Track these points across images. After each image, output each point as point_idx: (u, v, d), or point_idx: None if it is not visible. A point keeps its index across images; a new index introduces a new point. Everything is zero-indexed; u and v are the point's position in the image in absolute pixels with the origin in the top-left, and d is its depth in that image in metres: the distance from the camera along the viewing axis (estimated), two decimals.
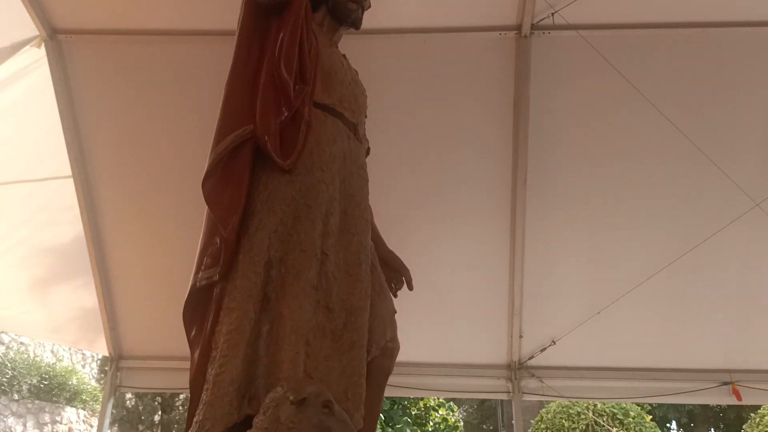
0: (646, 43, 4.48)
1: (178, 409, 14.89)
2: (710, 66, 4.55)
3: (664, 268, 4.78)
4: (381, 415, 10.96)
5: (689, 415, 18.00)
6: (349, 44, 3.05)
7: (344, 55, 2.88)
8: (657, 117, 4.44)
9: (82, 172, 4.90)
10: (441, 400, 13.94)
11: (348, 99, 2.58)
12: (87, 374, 14.74)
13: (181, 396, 14.71)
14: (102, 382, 13.63)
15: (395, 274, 2.78)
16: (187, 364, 2.24)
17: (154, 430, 14.78)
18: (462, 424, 19.04)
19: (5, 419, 11.54)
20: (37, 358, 13.03)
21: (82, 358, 14.99)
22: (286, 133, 2.27)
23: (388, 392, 3.17)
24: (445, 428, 14.03)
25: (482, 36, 4.54)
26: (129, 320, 5.46)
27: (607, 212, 4.89)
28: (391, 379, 2.65)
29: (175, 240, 4.87)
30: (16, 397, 11.88)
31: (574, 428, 11.80)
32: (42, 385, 12.39)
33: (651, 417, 13.10)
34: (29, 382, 12.19)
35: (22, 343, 13.04)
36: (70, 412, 12.97)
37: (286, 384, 1.84)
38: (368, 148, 2.81)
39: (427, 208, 4.98)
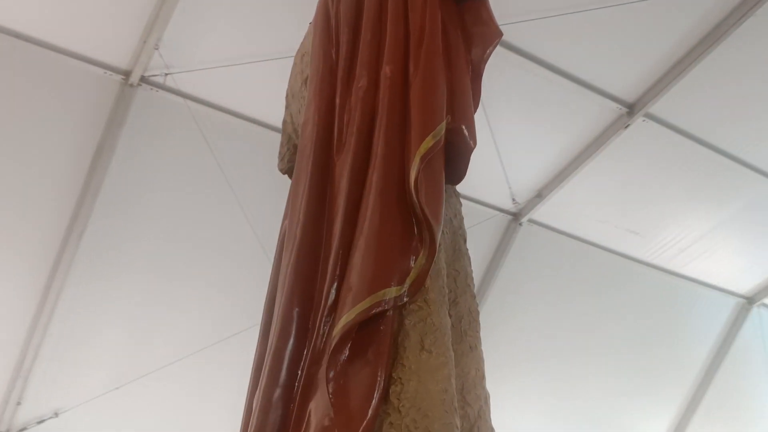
0: (249, 136, 4.55)
1: None
2: None
3: (194, 353, 4.75)
4: None
5: None
6: None
7: None
8: (235, 208, 4.57)
9: None
10: None
11: None
12: None
13: None
14: None
15: None
16: None
17: None
18: None
19: None
20: None
21: None
22: None
23: None
24: None
25: (84, 67, 4.12)
26: None
27: (153, 287, 4.70)
28: None
29: None
30: None
31: None
32: None
33: None
34: None
35: None
36: None
37: None
38: None
39: None
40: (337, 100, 1.85)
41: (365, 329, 1.49)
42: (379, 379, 1.45)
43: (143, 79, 4.25)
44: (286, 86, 4.47)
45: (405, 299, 1.53)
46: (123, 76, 4.23)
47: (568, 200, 5.46)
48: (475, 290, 1.90)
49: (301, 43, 2.25)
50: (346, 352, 1.48)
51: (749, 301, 7.08)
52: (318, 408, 1.47)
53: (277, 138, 4.65)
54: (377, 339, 1.49)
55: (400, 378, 1.47)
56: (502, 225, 5.51)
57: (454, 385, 1.50)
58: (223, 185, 4.53)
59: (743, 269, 6.70)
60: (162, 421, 4.96)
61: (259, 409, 1.56)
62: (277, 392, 1.55)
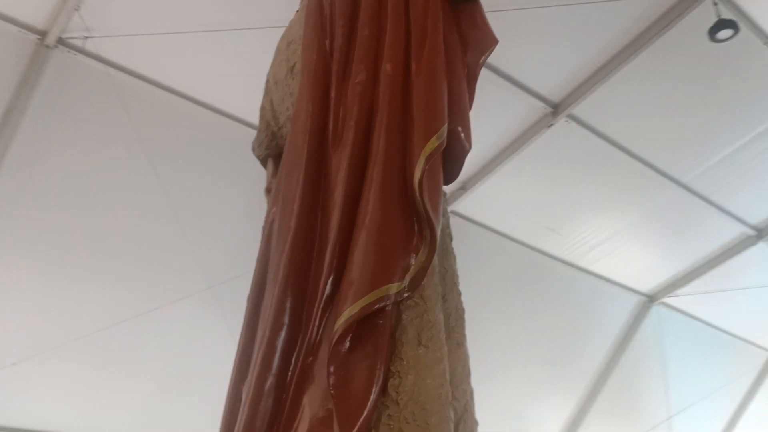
0: (173, 110, 4.40)
1: None
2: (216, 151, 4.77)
3: (100, 330, 4.57)
4: None
5: None
6: None
7: None
8: (152, 182, 4.41)
9: None
10: None
11: None
12: None
13: None
14: None
15: None
16: None
17: None
18: None
19: None
20: None
21: None
22: None
23: None
24: None
25: None
26: None
27: (58, 259, 4.47)
28: None
29: None
30: None
31: None
32: None
33: None
34: None
35: None
36: None
37: None
38: None
39: None
40: (333, 93, 1.84)
41: (365, 323, 1.51)
42: (378, 372, 1.47)
43: (61, 41, 4.01)
44: (216, 60, 4.37)
45: (405, 295, 1.55)
46: (39, 36, 3.97)
47: (491, 194, 5.58)
48: None
49: (287, 30, 2.21)
50: (347, 344, 1.49)
51: (650, 299, 7.48)
52: (314, 399, 1.49)
53: (206, 114, 4.58)
54: (376, 333, 1.50)
55: (398, 372, 1.50)
56: None
57: (448, 380, 1.56)
58: (141, 159, 4.36)
59: (647, 269, 7.07)
60: (59, 401, 4.76)
61: (250, 398, 1.54)
62: (269, 382, 1.54)
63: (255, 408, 1.52)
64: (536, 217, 5.91)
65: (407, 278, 1.54)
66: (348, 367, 1.48)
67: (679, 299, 7.54)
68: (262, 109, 2.23)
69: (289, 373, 1.55)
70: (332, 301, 1.57)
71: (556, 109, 5.07)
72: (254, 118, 4.59)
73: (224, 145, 4.66)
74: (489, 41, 1.92)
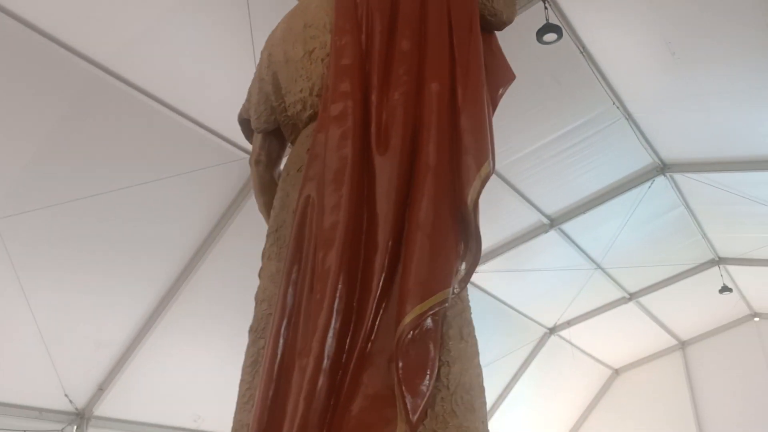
0: None
1: None
2: None
3: None
4: None
5: None
6: None
7: None
8: None
9: None
10: None
11: None
12: None
13: None
14: None
15: None
16: None
17: None
18: None
19: None
20: None
21: None
22: None
23: None
24: None
25: None
26: None
27: None
28: None
29: None
30: None
31: None
32: None
33: None
34: None
35: None
36: None
37: None
38: None
39: None
40: (374, 98, 1.94)
41: (424, 319, 1.71)
42: (434, 360, 1.70)
43: None
44: None
45: (453, 296, 1.78)
46: None
47: None
48: None
49: (300, 9, 2.18)
50: (410, 336, 1.67)
51: None
52: (375, 380, 1.71)
53: (42, 41, 4.03)
54: (432, 327, 1.72)
55: (447, 361, 1.76)
56: None
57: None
58: None
59: None
60: None
61: (310, 374, 1.71)
62: (326, 362, 1.72)
63: (314, 383, 1.70)
64: None
65: (456, 282, 1.76)
66: (411, 355, 1.68)
67: (478, 275, 8.19)
68: (261, 80, 2.23)
69: (344, 355, 1.74)
70: (387, 296, 1.77)
71: None
72: (55, 29, 4.15)
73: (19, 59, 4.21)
74: (508, 75, 2.06)
